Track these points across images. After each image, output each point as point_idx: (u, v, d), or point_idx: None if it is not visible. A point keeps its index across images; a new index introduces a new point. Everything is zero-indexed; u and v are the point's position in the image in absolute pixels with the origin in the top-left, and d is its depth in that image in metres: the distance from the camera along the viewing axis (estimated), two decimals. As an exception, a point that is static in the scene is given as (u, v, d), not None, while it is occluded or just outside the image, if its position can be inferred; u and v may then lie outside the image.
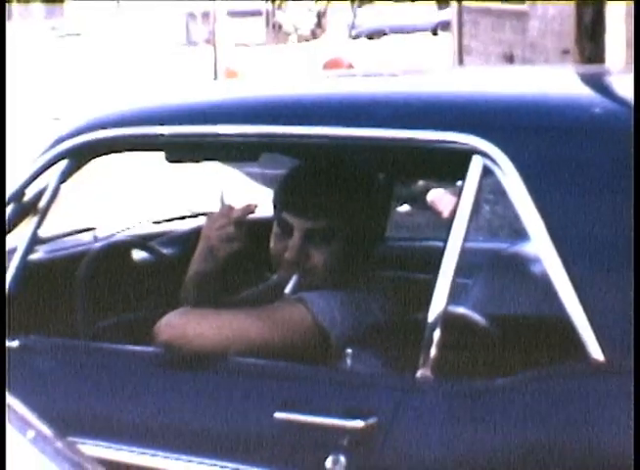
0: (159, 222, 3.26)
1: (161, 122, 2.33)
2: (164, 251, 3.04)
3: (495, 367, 1.99)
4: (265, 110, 2.32)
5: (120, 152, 2.48)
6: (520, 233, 2.04)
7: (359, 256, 2.39)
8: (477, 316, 2.13)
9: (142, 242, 3.01)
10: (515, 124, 2.05)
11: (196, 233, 2.55)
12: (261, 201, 2.50)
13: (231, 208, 2.34)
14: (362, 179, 2.41)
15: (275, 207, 2.41)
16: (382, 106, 2.21)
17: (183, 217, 3.29)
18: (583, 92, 2.33)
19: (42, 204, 2.38)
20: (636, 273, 1.85)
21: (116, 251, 2.89)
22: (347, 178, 2.37)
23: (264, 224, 2.47)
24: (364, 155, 2.45)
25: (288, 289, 2.33)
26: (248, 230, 2.33)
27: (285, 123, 2.23)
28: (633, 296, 1.85)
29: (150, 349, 2.28)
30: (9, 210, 2.41)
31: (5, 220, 2.40)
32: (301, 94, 2.41)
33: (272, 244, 2.40)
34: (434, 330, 1.98)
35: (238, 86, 2.96)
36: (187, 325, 2.23)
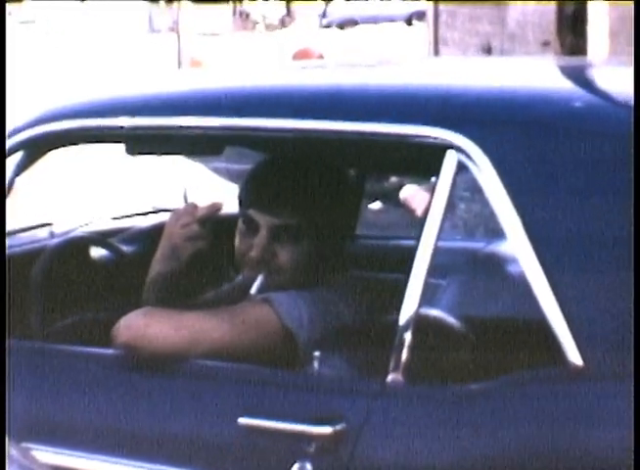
0: (118, 218, 3.23)
1: (121, 114, 2.28)
2: (125, 248, 3.01)
3: (470, 372, 1.96)
4: (230, 101, 2.27)
5: (78, 144, 2.43)
6: (496, 232, 2.00)
7: (328, 254, 2.35)
8: (450, 319, 2.10)
9: (101, 239, 2.97)
10: (491, 118, 2.00)
11: (158, 230, 2.52)
12: (227, 197, 2.47)
13: (195, 206, 2.30)
14: (332, 175, 2.37)
15: (240, 203, 2.37)
16: (352, 98, 2.17)
17: (144, 213, 3.27)
18: (564, 85, 2.29)
19: None
20: (636, 275, 1.80)
21: (74, 248, 2.85)
22: (316, 174, 2.33)
23: (230, 222, 2.43)
24: (334, 149, 2.40)
25: (253, 289, 2.29)
26: (212, 228, 2.30)
27: (251, 116, 2.18)
28: (633, 297, 1.80)
29: (108, 351, 2.22)
30: None
31: (5, 220, 2.35)
32: (269, 85, 2.37)
33: (237, 242, 2.36)
34: (405, 333, 1.94)
35: (202, 76, 2.90)
36: (147, 326, 2.18)
